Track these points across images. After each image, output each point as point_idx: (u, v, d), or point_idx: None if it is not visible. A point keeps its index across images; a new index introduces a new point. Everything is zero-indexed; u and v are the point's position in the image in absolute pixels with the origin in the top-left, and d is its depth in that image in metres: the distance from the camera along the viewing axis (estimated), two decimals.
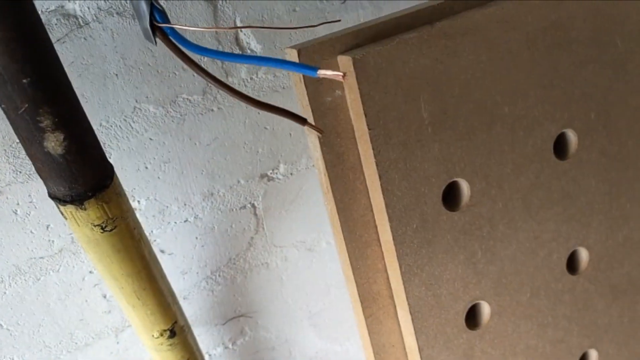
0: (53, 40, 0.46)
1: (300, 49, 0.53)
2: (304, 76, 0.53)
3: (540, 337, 0.73)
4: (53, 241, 0.63)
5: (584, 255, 0.74)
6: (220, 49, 0.62)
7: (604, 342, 0.80)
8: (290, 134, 0.72)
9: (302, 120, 0.47)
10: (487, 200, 0.64)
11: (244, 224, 0.75)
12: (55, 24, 0.53)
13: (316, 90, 0.55)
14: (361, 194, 0.60)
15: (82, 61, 0.56)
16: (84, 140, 0.46)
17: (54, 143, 0.44)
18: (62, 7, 0.53)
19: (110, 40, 0.56)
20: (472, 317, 0.69)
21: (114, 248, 0.52)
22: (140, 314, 0.59)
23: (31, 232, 0.62)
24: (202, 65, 0.49)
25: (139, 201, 0.66)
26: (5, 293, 0.63)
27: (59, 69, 0.44)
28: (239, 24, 0.62)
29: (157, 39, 0.44)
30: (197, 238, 0.72)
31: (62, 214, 0.50)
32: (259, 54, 0.65)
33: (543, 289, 0.71)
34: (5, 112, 0.43)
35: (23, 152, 0.57)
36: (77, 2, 0.53)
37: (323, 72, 0.40)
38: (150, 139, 0.63)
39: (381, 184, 0.57)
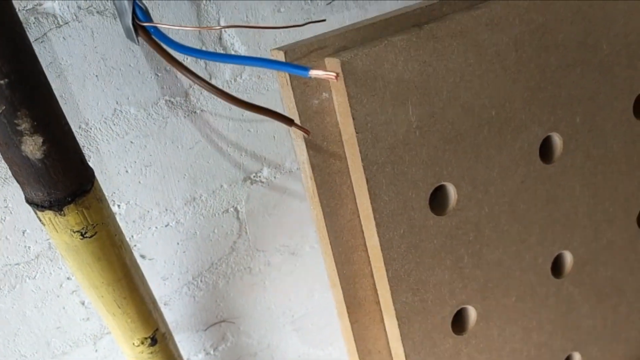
0: (31, 39, 0.44)
1: (287, 50, 0.52)
2: (290, 78, 0.52)
3: (525, 341, 0.73)
4: (29, 247, 0.61)
5: (568, 258, 0.74)
6: (204, 48, 0.61)
7: (587, 345, 0.80)
8: (274, 137, 0.71)
9: (288, 121, 0.46)
10: (474, 204, 0.63)
11: (226, 229, 0.74)
12: (33, 23, 0.51)
13: (303, 92, 0.54)
14: (348, 198, 0.60)
15: (61, 61, 0.54)
16: (64, 144, 0.45)
17: (32, 147, 0.43)
18: (40, 5, 0.51)
19: (90, 40, 0.54)
20: (458, 322, 0.69)
21: (94, 255, 0.51)
22: (120, 322, 0.57)
23: (6, 238, 0.60)
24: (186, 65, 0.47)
25: (119, 205, 0.64)
26: None
27: (38, 70, 0.42)
28: (222, 24, 0.60)
29: (140, 38, 0.42)
30: (178, 243, 0.71)
31: (39, 219, 0.48)
32: (243, 54, 0.63)
33: (528, 293, 0.71)
34: None
35: None
36: (56, 0, 0.51)
37: (315, 73, 0.39)
38: (131, 142, 0.61)
39: (368, 189, 0.56)
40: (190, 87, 0.62)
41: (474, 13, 0.57)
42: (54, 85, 0.43)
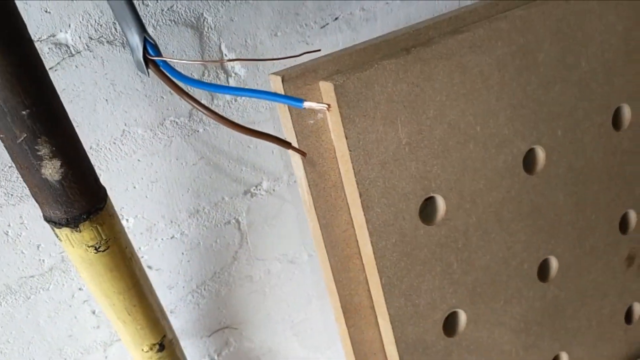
0: (46, 67, 0.48)
1: (284, 76, 0.55)
2: None
3: (514, 343, 0.77)
4: (44, 260, 0.65)
5: (553, 263, 0.78)
6: (207, 73, 0.64)
7: (574, 346, 0.84)
8: (273, 152, 0.75)
9: (286, 144, 0.50)
10: (462, 214, 0.67)
11: (228, 239, 0.77)
12: (48, 53, 0.55)
13: (299, 113, 0.57)
14: (342, 210, 0.63)
15: (73, 88, 0.57)
16: (80, 166, 0.48)
17: (51, 170, 0.46)
18: (54, 35, 0.55)
19: (100, 68, 0.58)
20: (449, 325, 0.72)
21: (106, 267, 0.54)
22: (130, 329, 0.60)
23: (22, 252, 0.63)
24: (189, 92, 0.51)
25: (127, 219, 0.68)
26: None
27: (55, 100, 0.46)
28: (224, 49, 0.64)
29: (150, 71, 0.46)
30: (183, 253, 0.74)
31: (57, 236, 0.51)
32: (242, 78, 0.67)
33: (516, 297, 0.75)
34: (3, 142, 0.45)
35: (14, 175, 0.59)
36: (68, 31, 0.55)
37: (309, 104, 0.43)
38: (139, 160, 0.65)
39: (361, 202, 0.60)
40: (193, 108, 0.66)
41: (458, 37, 0.61)
42: (67, 110, 0.47)
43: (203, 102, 0.57)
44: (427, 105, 0.61)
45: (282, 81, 0.55)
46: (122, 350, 0.74)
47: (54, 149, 0.46)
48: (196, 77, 0.64)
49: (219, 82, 0.66)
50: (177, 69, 0.48)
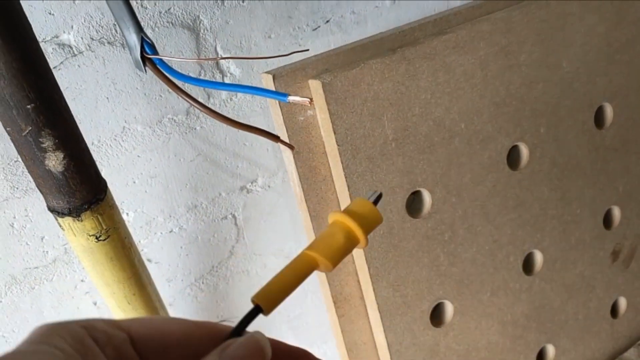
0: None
1: (275, 74, 0.59)
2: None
3: (501, 334, 0.79)
4: (47, 252, 0.67)
5: (538, 257, 0.80)
6: (203, 73, 0.68)
7: (560, 338, 0.86)
8: (268, 150, 0.78)
9: (275, 138, 0.53)
10: (448, 207, 0.70)
11: (225, 234, 0.80)
12: (52, 53, 0.58)
13: (290, 110, 0.60)
14: (332, 203, 0.66)
15: (76, 86, 0.61)
16: (81, 158, 0.51)
17: (54, 161, 0.49)
18: (57, 36, 0.58)
19: (101, 67, 0.61)
20: (436, 316, 0.75)
21: (107, 256, 0.57)
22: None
23: (27, 243, 0.66)
24: (186, 90, 0.54)
25: (127, 213, 0.71)
26: (1, 302, 0.67)
27: (58, 95, 0.49)
28: (219, 51, 0.67)
29: (147, 68, 0.49)
30: (181, 247, 0.77)
31: (59, 225, 0.54)
32: (237, 77, 0.70)
33: (502, 289, 0.77)
34: (9, 134, 0.48)
35: (20, 169, 0.62)
36: (71, 32, 0.58)
37: (292, 98, 0.46)
38: (138, 156, 0.68)
39: (350, 195, 0.63)
40: (190, 106, 0.69)
41: (442, 37, 0.64)
42: (70, 107, 0.50)
43: (200, 101, 0.60)
44: (412, 102, 0.64)
45: (274, 79, 0.58)
46: None
47: (57, 141, 0.49)
48: (193, 76, 0.67)
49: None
50: (173, 67, 0.51)
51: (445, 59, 0.64)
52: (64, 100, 0.50)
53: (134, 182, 0.69)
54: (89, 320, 0.27)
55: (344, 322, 0.71)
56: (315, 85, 0.58)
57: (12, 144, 0.49)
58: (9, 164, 0.61)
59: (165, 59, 0.47)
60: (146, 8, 0.61)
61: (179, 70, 0.50)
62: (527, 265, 0.80)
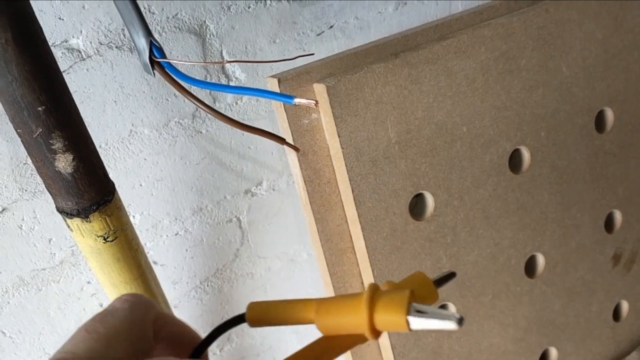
0: None
1: (280, 78, 0.60)
2: (284, 102, 0.60)
3: (503, 336, 0.80)
4: (55, 254, 0.68)
5: (540, 260, 0.81)
6: (209, 76, 0.69)
7: (562, 341, 0.87)
8: (272, 153, 0.79)
9: (280, 140, 0.54)
10: (450, 210, 0.71)
11: (230, 237, 0.81)
12: (61, 57, 0.59)
13: (295, 113, 0.61)
14: (336, 205, 0.67)
15: (84, 90, 0.62)
16: (90, 160, 0.52)
17: (64, 163, 0.50)
18: (67, 41, 0.59)
19: (109, 71, 0.62)
20: None
21: (114, 257, 0.58)
22: None
23: (34, 245, 0.67)
24: (193, 93, 0.56)
25: (134, 216, 0.72)
26: (8, 303, 0.68)
27: (68, 98, 0.50)
28: (225, 55, 0.68)
29: (155, 72, 0.50)
30: (187, 250, 0.78)
31: (68, 226, 0.55)
32: (243, 81, 0.71)
33: (504, 292, 0.78)
34: (20, 136, 0.49)
35: (29, 171, 0.63)
36: (80, 37, 0.60)
37: (298, 100, 0.47)
38: (145, 159, 0.69)
39: (354, 197, 0.64)
40: (197, 110, 0.70)
41: (444, 42, 0.65)
42: (79, 110, 0.51)
43: (207, 103, 0.61)
44: (415, 106, 0.65)
45: (279, 83, 0.59)
46: None
47: (66, 143, 0.50)
48: (199, 78, 0.68)
49: None
50: (181, 71, 0.52)
51: (447, 64, 0.65)
52: (73, 103, 0.51)
53: (141, 185, 0.70)
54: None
55: None
56: (319, 89, 0.59)
57: (21, 147, 0.50)
58: (17, 166, 0.62)
59: (173, 62, 0.48)
60: (154, 13, 0.62)
61: (186, 74, 0.52)
62: (529, 268, 0.81)
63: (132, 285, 0.62)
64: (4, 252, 0.65)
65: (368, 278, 0.68)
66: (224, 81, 0.70)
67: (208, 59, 0.68)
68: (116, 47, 0.62)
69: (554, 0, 0.71)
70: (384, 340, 0.71)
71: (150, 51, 0.48)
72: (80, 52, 0.60)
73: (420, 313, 0.27)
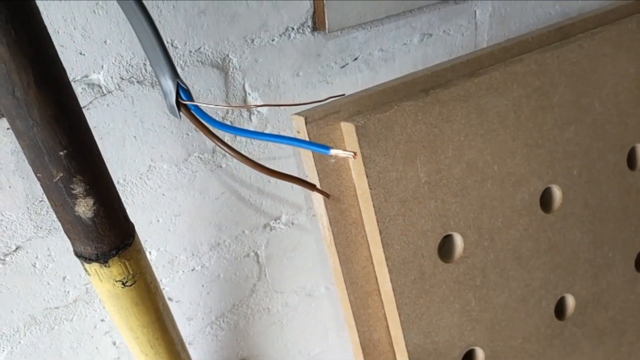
0: None
1: (307, 117, 0.57)
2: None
3: None
4: (69, 292, 0.66)
5: (570, 301, 0.78)
6: (230, 111, 0.67)
7: None
8: (292, 187, 0.76)
9: (311, 186, 0.51)
10: (480, 251, 0.68)
11: (247, 272, 0.79)
12: (81, 93, 0.57)
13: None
14: (362, 247, 0.64)
15: (104, 125, 0.60)
16: (111, 203, 0.50)
17: (84, 208, 0.48)
18: (87, 76, 0.57)
19: (130, 106, 0.60)
20: None
21: (132, 301, 0.56)
22: None
23: (48, 283, 0.65)
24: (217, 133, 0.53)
25: (150, 252, 0.69)
26: (20, 342, 0.66)
27: (91, 140, 0.48)
28: (247, 89, 0.66)
29: (182, 114, 0.48)
30: (203, 286, 0.76)
31: (86, 271, 0.53)
32: (265, 115, 0.69)
33: (534, 334, 0.75)
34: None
35: (44, 209, 0.61)
36: (101, 72, 0.57)
37: (335, 152, 0.45)
38: (163, 194, 0.67)
39: (381, 239, 0.61)
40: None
41: (475, 79, 0.63)
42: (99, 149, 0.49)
43: (236, 149, 0.58)
44: (445, 145, 0.62)
45: (305, 122, 0.57)
46: None
47: (87, 187, 0.47)
48: (220, 114, 0.66)
49: (242, 120, 0.68)
50: (207, 113, 0.50)
51: (478, 101, 0.63)
52: (95, 145, 0.48)
53: (158, 221, 0.68)
54: None
55: None
56: (348, 128, 0.57)
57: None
58: (33, 203, 0.60)
59: (201, 106, 0.46)
60: (176, 47, 0.60)
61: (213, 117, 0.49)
62: (559, 309, 0.78)
63: (149, 328, 0.59)
64: (16, 291, 0.63)
65: (394, 321, 0.66)
66: (245, 115, 0.68)
67: (230, 92, 0.66)
68: (137, 81, 0.60)
69: (587, 34, 0.69)
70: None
71: (177, 93, 0.46)
72: (100, 87, 0.58)
73: None
